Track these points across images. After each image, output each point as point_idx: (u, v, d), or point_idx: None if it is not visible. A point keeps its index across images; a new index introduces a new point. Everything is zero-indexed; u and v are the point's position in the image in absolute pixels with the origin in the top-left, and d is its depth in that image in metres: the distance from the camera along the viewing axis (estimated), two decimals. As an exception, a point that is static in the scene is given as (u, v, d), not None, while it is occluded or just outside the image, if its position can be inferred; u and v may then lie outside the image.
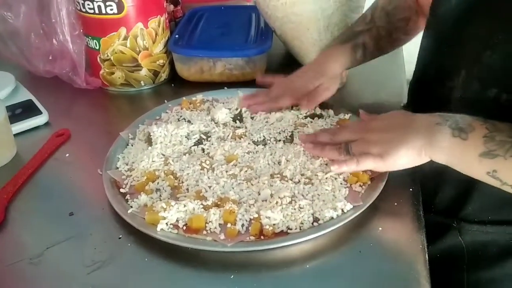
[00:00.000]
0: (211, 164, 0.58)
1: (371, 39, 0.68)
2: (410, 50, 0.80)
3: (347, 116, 0.68)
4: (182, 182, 0.56)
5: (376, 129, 0.54)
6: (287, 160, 0.58)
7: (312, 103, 0.66)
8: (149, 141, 0.64)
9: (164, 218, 0.50)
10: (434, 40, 0.60)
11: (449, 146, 0.47)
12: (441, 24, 0.57)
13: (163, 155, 0.60)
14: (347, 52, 0.67)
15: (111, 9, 0.74)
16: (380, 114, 0.57)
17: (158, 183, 0.56)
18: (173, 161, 0.59)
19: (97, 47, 0.78)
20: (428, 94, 0.62)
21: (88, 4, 0.74)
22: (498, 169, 0.45)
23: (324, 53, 0.70)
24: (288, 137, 0.64)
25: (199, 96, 0.74)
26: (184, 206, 0.51)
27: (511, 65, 0.49)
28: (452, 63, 0.56)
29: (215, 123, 0.67)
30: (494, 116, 0.48)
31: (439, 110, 0.52)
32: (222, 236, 0.48)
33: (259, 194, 0.54)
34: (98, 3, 0.73)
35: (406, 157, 0.50)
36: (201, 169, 0.58)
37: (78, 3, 0.75)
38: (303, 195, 0.53)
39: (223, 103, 0.72)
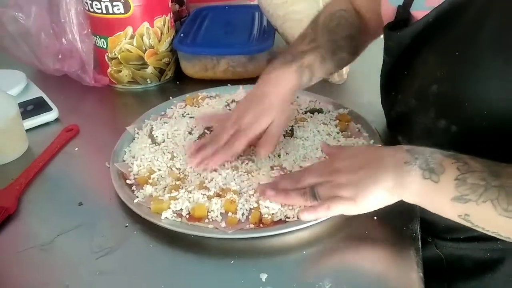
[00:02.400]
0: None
1: (316, 59, 0.62)
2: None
3: (346, 111, 0.70)
4: (186, 175, 0.58)
5: (342, 170, 0.50)
6: (286, 153, 0.60)
7: (270, 147, 0.59)
8: (151, 136, 0.66)
9: (169, 208, 0.52)
10: (390, 65, 0.59)
11: (419, 189, 0.45)
12: (395, 50, 0.56)
13: (169, 153, 0.62)
14: (293, 75, 0.60)
15: (118, 9, 0.77)
16: (343, 151, 0.54)
17: (161, 176, 0.59)
18: (177, 156, 0.61)
19: (105, 46, 0.81)
20: (397, 115, 0.61)
21: (96, 4, 0.77)
22: (470, 213, 0.43)
23: (267, 77, 0.62)
24: (288, 131, 0.66)
25: (202, 93, 0.76)
26: (190, 192, 0.53)
27: (456, 99, 0.48)
28: (405, 88, 0.56)
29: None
30: (446, 145, 0.47)
31: (405, 133, 0.52)
32: (223, 224, 0.51)
33: (259, 185, 0.56)
34: (106, 3, 0.76)
35: (379, 197, 0.47)
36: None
37: (86, 3, 0.78)
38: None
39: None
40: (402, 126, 0.58)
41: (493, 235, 0.44)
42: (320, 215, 0.49)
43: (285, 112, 0.61)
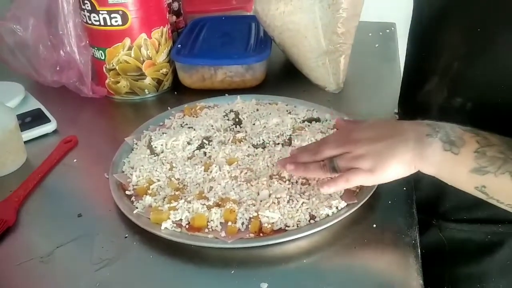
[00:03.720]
0: (212, 166, 0.61)
1: None
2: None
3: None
4: (185, 185, 0.59)
5: (361, 140, 0.50)
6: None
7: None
8: (150, 147, 0.66)
9: (169, 218, 0.52)
10: (415, 44, 0.62)
11: (440, 160, 0.46)
12: (423, 29, 0.59)
13: (168, 163, 0.63)
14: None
15: (116, 21, 0.77)
16: (362, 123, 0.55)
17: (160, 186, 0.59)
18: (176, 166, 0.62)
19: (103, 57, 0.81)
20: (412, 98, 0.64)
21: (94, 17, 0.77)
22: (487, 185, 0.45)
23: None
24: (286, 140, 0.66)
25: (200, 103, 0.77)
26: (190, 202, 0.54)
27: (474, 75, 0.50)
28: (429, 68, 0.58)
29: (216, 129, 0.70)
30: (462, 124, 0.48)
31: (422, 115, 0.52)
32: (223, 234, 0.51)
33: (258, 194, 0.56)
34: (104, 15, 0.77)
35: (397, 170, 0.48)
36: (204, 171, 0.60)
37: (85, 15, 0.78)
38: (300, 195, 0.55)
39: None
40: (422, 107, 0.58)
41: (507, 208, 0.45)
42: (339, 187, 0.51)
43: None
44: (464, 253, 0.60)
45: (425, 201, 0.50)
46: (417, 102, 0.60)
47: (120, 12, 0.76)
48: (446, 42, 0.54)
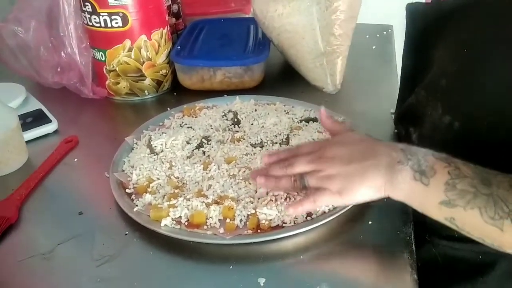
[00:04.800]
0: (211, 165, 0.62)
1: None
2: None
3: (340, 119, 0.71)
4: (184, 184, 0.60)
5: (333, 159, 0.50)
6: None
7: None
8: (150, 146, 0.67)
9: (168, 215, 0.53)
10: (409, 53, 0.61)
11: (409, 189, 0.46)
12: (415, 41, 0.58)
13: (168, 162, 0.64)
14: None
15: (116, 23, 0.78)
16: (339, 135, 0.54)
17: (160, 184, 0.60)
18: (176, 165, 0.63)
19: (103, 59, 0.82)
20: (407, 105, 0.63)
21: (95, 18, 0.79)
22: (456, 217, 0.44)
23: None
24: (284, 139, 0.67)
25: (199, 104, 0.78)
26: (189, 200, 0.55)
27: (462, 95, 0.49)
28: (419, 81, 0.57)
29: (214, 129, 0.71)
30: (450, 142, 0.48)
31: (414, 126, 0.52)
32: (221, 230, 0.52)
33: (256, 192, 0.57)
34: (104, 17, 0.78)
35: (366, 194, 0.48)
36: (203, 169, 0.61)
37: (85, 17, 0.80)
38: (297, 192, 0.56)
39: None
40: (413, 118, 0.58)
41: (478, 240, 0.45)
42: (306, 209, 0.51)
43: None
44: (458, 272, 0.58)
45: (417, 216, 0.49)
46: (411, 112, 0.60)
47: (121, 14, 0.78)
48: (436, 57, 0.54)
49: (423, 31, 0.57)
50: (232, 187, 0.58)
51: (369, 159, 0.48)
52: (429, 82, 0.54)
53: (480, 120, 0.48)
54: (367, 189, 0.48)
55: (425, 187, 0.45)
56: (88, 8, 0.78)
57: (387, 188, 0.47)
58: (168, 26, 0.86)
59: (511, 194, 0.42)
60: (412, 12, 0.59)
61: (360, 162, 0.48)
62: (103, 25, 0.79)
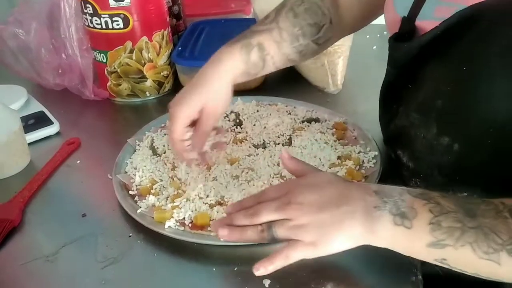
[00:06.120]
0: (214, 166, 0.62)
1: (270, 39, 0.59)
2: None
3: (342, 120, 0.71)
4: (187, 185, 0.60)
5: (303, 206, 0.44)
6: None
7: (200, 142, 0.57)
8: (153, 147, 0.67)
9: (172, 217, 0.53)
10: (393, 76, 0.58)
11: (392, 235, 0.42)
12: (400, 62, 0.55)
13: (170, 163, 0.64)
14: (236, 53, 0.58)
15: (118, 24, 0.78)
16: (307, 177, 0.49)
17: (163, 186, 0.60)
18: (178, 166, 0.63)
19: (105, 60, 0.82)
20: (391, 125, 0.60)
21: (96, 20, 0.79)
22: (447, 257, 0.41)
23: (212, 58, 0.59)
24: (286, 140, 0.67)
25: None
26: (192, 201, 0.55)
27: (461, 116, 0.46)
28: (409, 102, 0.54)
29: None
30: (448, 163, 0.46)
31: (405, 148, 0.50)
32: (225, 232, 0.52)
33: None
34: (105, 19, 0.78)
35: (343, 243, 0.44)
36: (205, 169, 0.61)
37: (86, 19, 0.80)
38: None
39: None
40: (402, 141, 0.56)
41: (472, 275, 0.42)
42: (278, 266, 0.45)
43: (221, 94, 0.57)
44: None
45: None
46: (402, 134, 0.56)
47: (122, 16, 0.78)
48: (425, 79, 0.51)
49: (408, 57, 0.53)
50: (235, 188, 0.58)
51: (342, 205, 0.44)
52: (422, 103, 0.51)
53: (482, 140, 0.45)
54: (344, 239, 0.43)
55: (409, 230, 0.41)
56: (89, 10, 0.78)
57: (367, 236, 0.43)
58: (169, 27, 0.87)
59: (500, 223, 0.39)
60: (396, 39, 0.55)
61: (333, 209, 0.44)
62: (104, 26, 0.79)
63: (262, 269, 0.45)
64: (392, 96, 0.59)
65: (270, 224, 0.45)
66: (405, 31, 0.53)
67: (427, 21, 0.50)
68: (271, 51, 0.59)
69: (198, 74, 0.59)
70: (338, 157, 0.63)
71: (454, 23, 0.46)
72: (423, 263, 0.48)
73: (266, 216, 0.46)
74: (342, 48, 0.84)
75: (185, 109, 0.57)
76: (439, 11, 0.49)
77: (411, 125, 0.53)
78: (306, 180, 0.48)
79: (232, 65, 0.58)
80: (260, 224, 0.46)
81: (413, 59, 0.53)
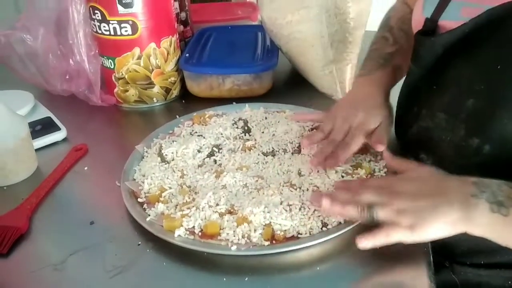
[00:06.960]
0: (223, 174, 0.61)
1: (402, 59, 0.66)
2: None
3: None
4: (196, 193, 0.59)
5: (404, 193, 0.47)
6: (299, 174, 0.61)
7: (385, 140, 0.59)
8: (161, 155, 0.67)
9: (182, 226, 0.53)
10: (417, 76, 0.59)
11: (488, 223, 0.43)
12: (425, 60, 0.56)
13: (179, 171, 0.63)
14: (390, 75, 0.65)
15: (126, 31, 0.78)
16: (408, 172, 0.52)
17: (172, 194, 0.59)
18: (187, 174, 0.62)
19: (112, 67, 0.82)
20: (418, 131, 0.60)
21: (104, 26, 0.78)
22: None
23: (368, 78, 0.66)
24: (296, 148, 0.67)
25: (209, 112, 0.77)
26: (202, 209, 0.54)
27: (493, 116, 0.47)
28: (434, 103, 0.55)
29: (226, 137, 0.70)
30: (476, 166, 0.46)
31: (429, 151, 0.51)
32: (236, 241, 0.51)
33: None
34: (114, 25, 0.78)
35: (439, 230, 0.45)
36: (215, 177, 0.61)
37: (95, 25, 0.79)
38: (311, 202, 0.55)
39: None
40: (426, 144, 0.56)
41: None
42: (378, 242, 0.47)
43: (390, 111, 0.63)
44: None
45: (440, 242, 0.47)
46: (425, 136, 0.57)
47: (130, 22, 0.77)
48: (453, 78, 0.52)
49: (440, 43, 0.54)
50: (245, 196, 0.57)
51: (440, 195, 0.46)
52: (450, 103, 0.52)
53: None
54: (441, 225, 0.45)
55: (505, 218, 0.43)
56: (98, 16, 0.78)
57: (463, 224, 0.44)
58: (177, 34, 0.86)
59: None
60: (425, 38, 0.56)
61: (431, 198, 0.46)
62: (112, 33, 0.78)
63: (365, 241, 0.47)
64: (414, 98, 0.60)
65: (371, 206, 0.48)
66: (428, 29, 0.54)
67: (453, 22, 0.51)
68: (403, 68, 0.66)
69: (362, 93, 0.65)
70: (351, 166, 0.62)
71: (483, 21, 0.47)
72: (439, 273, 0.48)
73: (368, 196, 0.49)
74: (350, 55, 0.84)
75: (370, 127, 0.62)
76: (466, 12, 0.49)
77: (436, 127, 0.54)
78: (406, 174, 0.52)
79: (390, 87, 0.66)
80: (361, 204, 0.48)
81: (438, 58, 0.53)
